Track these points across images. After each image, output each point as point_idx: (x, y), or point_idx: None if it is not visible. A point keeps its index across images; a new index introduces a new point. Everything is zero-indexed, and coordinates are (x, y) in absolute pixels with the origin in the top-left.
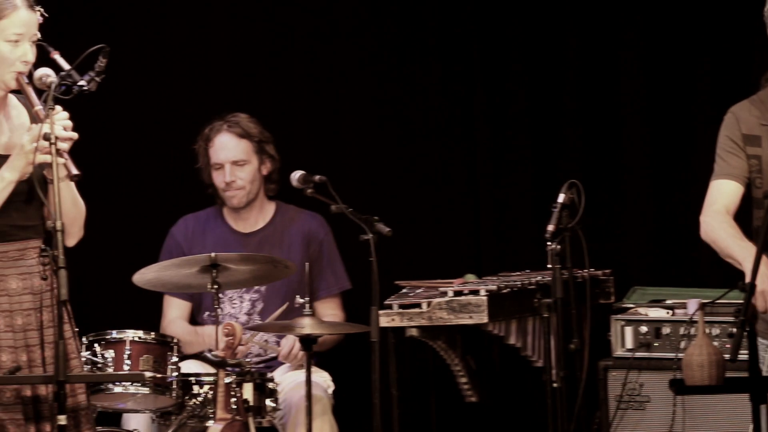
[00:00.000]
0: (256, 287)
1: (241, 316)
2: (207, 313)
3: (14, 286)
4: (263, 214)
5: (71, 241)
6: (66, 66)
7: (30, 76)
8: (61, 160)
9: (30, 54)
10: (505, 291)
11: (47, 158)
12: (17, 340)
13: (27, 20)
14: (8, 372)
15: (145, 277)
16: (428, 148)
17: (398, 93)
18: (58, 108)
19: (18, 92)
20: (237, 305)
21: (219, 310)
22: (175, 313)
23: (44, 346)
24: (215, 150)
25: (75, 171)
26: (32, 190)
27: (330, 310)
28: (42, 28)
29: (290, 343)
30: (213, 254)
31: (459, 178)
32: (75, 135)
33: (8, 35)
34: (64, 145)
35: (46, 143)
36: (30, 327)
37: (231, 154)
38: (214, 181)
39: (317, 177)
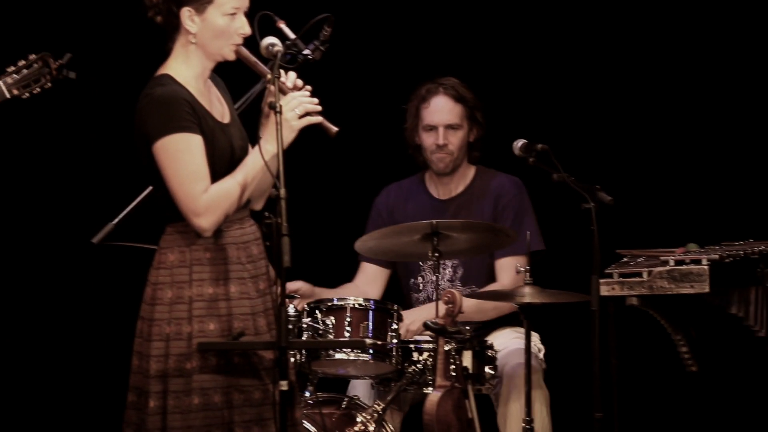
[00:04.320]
0: None
1: (443, 283)
2: (412, 280)
3: (255, 251)
4: (463, 180)
5: (259, 206)
6: (291, 35)
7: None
8: (317, 119)
9: (247, 26)
10: (727, 260)
11: (312, 120)
12: (265, 304)
13: None
14: (233, 337)
15: (366, 244)
16: (652, 115)
17: (620, 60)
18: (286, 73)
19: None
20: (438, 272)
21: (438, 277)
22: (362, 279)
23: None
24: (430, 112)
25: (334, 128)
26: None
27: (505, 272)
28: None
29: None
30: (434, 221)
31: (682, 147)
32: (316, 100)
33: (226, 9)
34: (317, 107)
35: (306, 108)
36: (266, 291)
37: (446, 117)
38: (423, 143)
39: (539, 145)
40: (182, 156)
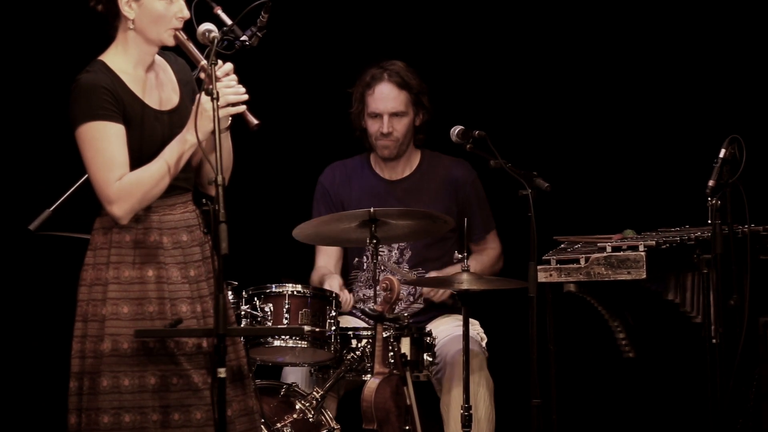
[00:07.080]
0: None
1: (390, 265)
2: (356, 259)
3: (185, 238)
4: (410, 163)
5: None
6: (228, 21)
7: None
8: (240, 109)
9: (186, 10)
10: (664, 246)
11: (233, 111)
12: (192, 291)
13: None
14: (170, 324)
15: (304, 231)
16: (588, 101)
17: (557, 47)
18: (220, 62)
19: (168, 49)
20: (385, 254)
21: (376, 263)
22: (323, 261)
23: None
24: (374, 99)
25: (255, 121)
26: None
27: (491, 244)
28: None
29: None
30: (372, 209)
31: (618, 133)
32: (243, 89)
33: None
34: (242, 97)
35: (227, 100)
36: (201, 278)
37: (390, 105)
38: (368, 129)
39: (476, 132)
40: (98, 144)
